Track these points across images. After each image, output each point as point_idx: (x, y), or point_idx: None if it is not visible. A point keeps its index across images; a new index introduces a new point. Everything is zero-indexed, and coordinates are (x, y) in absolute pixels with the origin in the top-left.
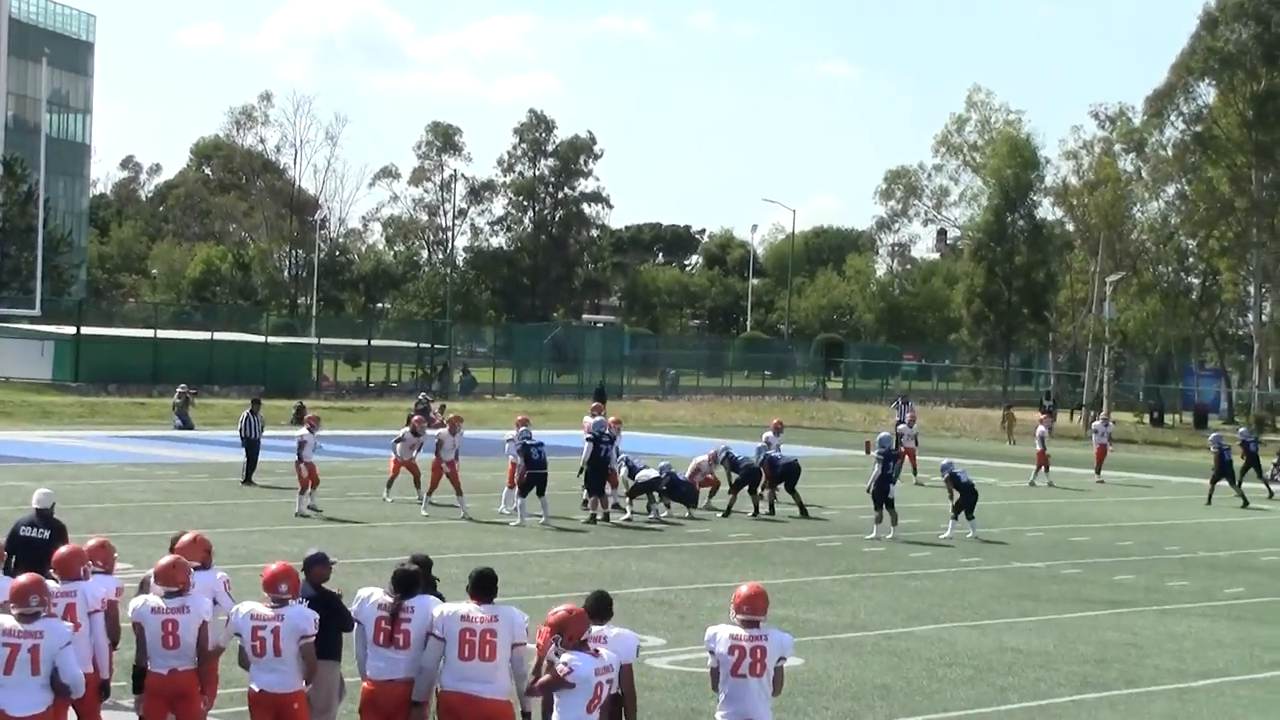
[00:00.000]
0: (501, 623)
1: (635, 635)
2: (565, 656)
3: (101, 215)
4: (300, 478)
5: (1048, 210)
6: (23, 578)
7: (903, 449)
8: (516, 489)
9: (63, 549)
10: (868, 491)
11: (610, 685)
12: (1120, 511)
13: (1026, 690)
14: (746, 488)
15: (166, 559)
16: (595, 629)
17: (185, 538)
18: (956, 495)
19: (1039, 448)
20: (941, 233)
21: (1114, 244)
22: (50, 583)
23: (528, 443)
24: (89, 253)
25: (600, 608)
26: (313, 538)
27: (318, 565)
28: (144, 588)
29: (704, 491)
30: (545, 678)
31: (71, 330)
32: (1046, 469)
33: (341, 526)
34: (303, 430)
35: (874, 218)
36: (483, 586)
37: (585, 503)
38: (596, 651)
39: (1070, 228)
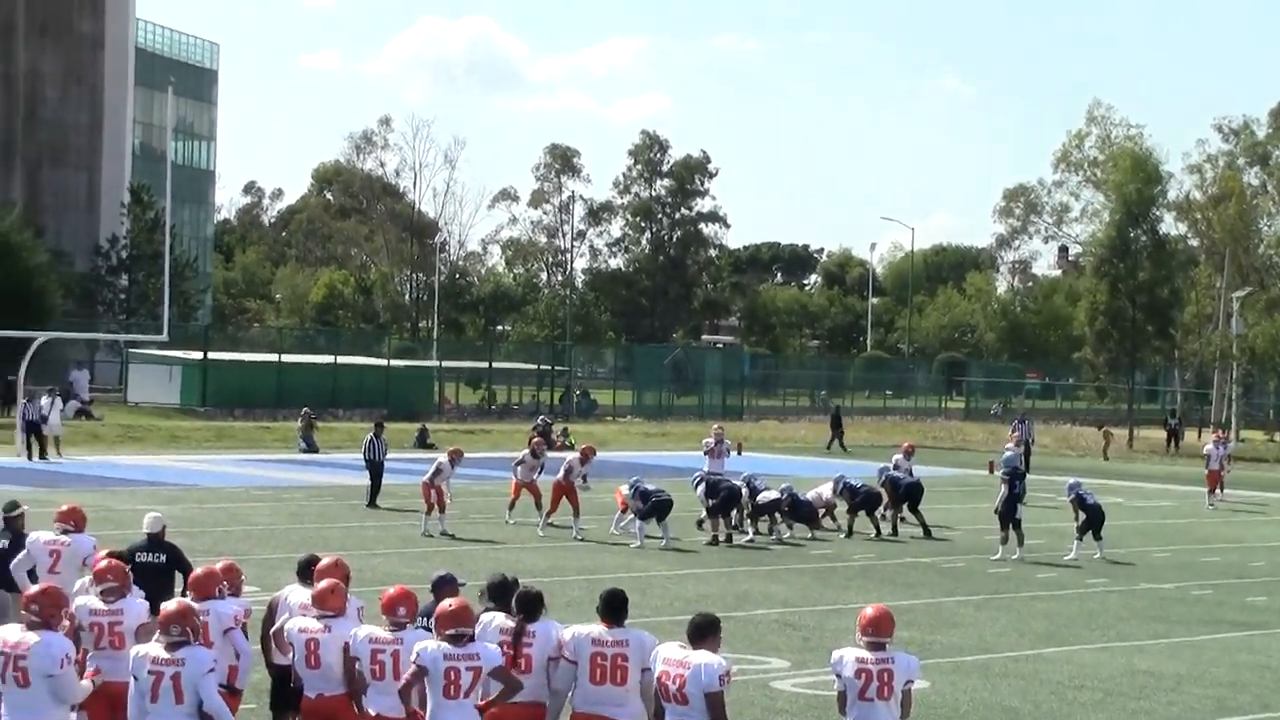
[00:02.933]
0: (632, 646)
1: (723, 663)
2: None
3: (226, 241)
4: (427, 500)
5: (1171, 225)
6: (170, 605)
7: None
8: (631, 516)
9: (199, 570)
10: (995, 512)
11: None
12: (1250, 532)
13: (1158, 714)
14: (865, 510)
15: (325, 583)
16: (682, 653)
17: (326, 560)
18: (1082, 516)
19: (1213, 467)
20: (1063, 249)
21: (1240, 259)
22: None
23: (641, 488)
24: (214, 278)
25: (701, 630)
26: (436, 560)
27: (446, 587)
28: (271, 610)
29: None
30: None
31: (198, 355)
32: (1221, 489)
33: (464, 549)
34: (443, 458)
35: (994, 235)
36: (613, 609)
37: (700, 524)
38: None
39: (1195, 243)
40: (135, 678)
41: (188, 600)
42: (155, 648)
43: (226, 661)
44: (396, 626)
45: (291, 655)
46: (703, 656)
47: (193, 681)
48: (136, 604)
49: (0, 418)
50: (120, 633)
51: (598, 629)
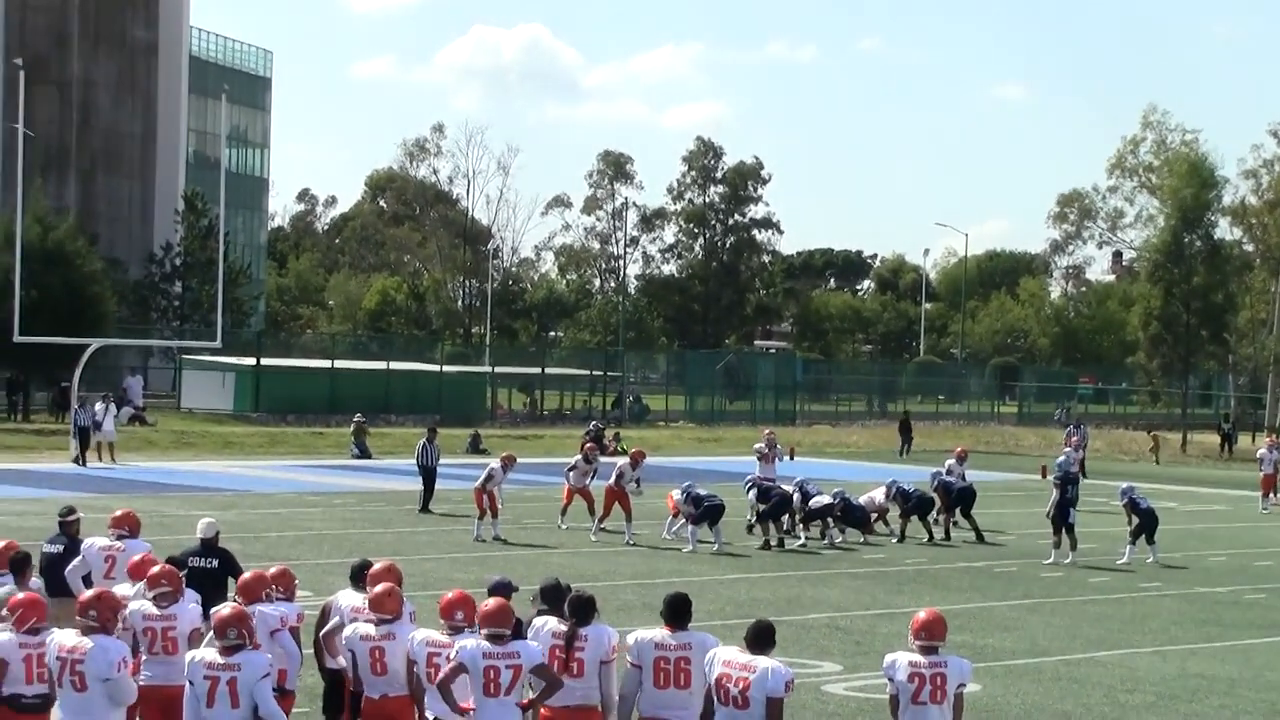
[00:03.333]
0: (695, 650)
1: (788, 671)
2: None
3: (279, 248)
4: (479, 505)
5: (1226, 230)
6: (225, 610)
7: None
8: (683, 521)
9: (247, 574)
10: (1048, 516)
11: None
12: None
13: (1210, 717)
14: (918, 515)
15: (381, 587)
16: (745, 656)
17: (379, 565)
18: (1135, 520)
19: (1267, 471)
20: (1117, 255)
21: None
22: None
23: (694, 493)
24: (267, 285)
25: (761, 637)
26: (490, 565)
27: (502, 591)
28: (324, 615)
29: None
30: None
31: (251, 362)
32: (1276, 493)
33: (518, 553)
34: (495, 463)
35: (1047, 240)
36: (677, 612)
37: (750, 528)
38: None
39: (1249, 248)
40: (191, 682)
41: (243, 605)
42: (210, 653)
43: (275, 664)
44: (454, 630)
45: (352, 660)
46: (769, 661)
47: (248, 686)
48: (190, 609)
49: (56, 424)
50: (173, 638)
51: (661, 633)
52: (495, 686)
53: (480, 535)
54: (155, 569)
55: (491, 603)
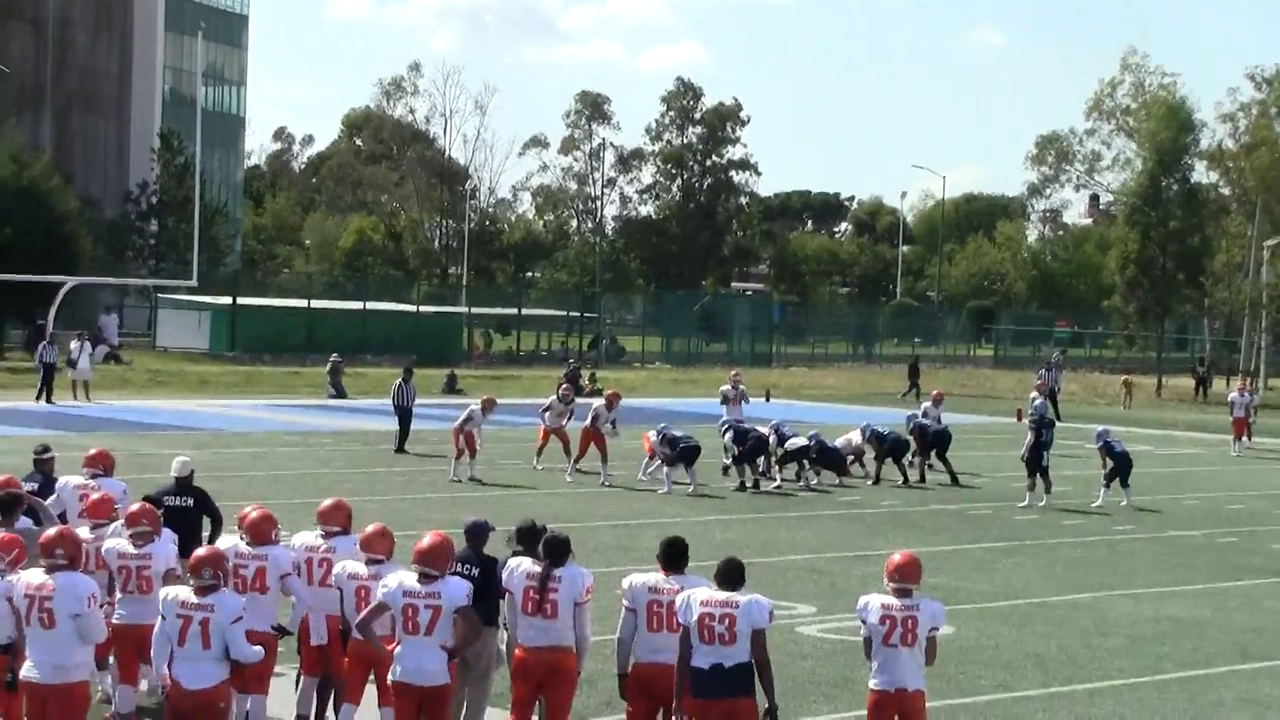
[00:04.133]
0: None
1: (769, 601)
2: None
3: (255, 187)
4: (456, 445)
5: (1202, 174)
6: (201, 550)
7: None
8: (659, 462)
9: (253, 514)
10: (1022, 459)
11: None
12: (1277, 479)
13: (1183, 660)
14: (893, 457)
15: (373, 528)
16: (721, 594)
17: (327, 502)
18: (1110, 463)
19: (1239, 415)
20: (1094, 198)
21: (1271, 207)
22: (245, 547)
23: (670, 434)
24: (244, 224)
25: (732, 575)
26: (464, 505)
27: (479, 533)
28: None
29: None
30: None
31: (228, 301)
32: (1249, 436)
33: (493, 494)
34: (475, 405)
35: (1025, 184)
36: (673, 557)
37: (726, 469)
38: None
39: (1226, 192)
40: (163, 617)
41: (219, 546)
42: (185, 591)
43: (275, 606)
44: (427, 578)
45: (340, 598)
46: (749, 595)
47: (221, 628)
48: (165, 548)
49: (31, 362)
50: (148, 576)
51: (656, 577)
52: (414, 625)
53: (456, 475)
54: (135, 507)
55: (426, 540)
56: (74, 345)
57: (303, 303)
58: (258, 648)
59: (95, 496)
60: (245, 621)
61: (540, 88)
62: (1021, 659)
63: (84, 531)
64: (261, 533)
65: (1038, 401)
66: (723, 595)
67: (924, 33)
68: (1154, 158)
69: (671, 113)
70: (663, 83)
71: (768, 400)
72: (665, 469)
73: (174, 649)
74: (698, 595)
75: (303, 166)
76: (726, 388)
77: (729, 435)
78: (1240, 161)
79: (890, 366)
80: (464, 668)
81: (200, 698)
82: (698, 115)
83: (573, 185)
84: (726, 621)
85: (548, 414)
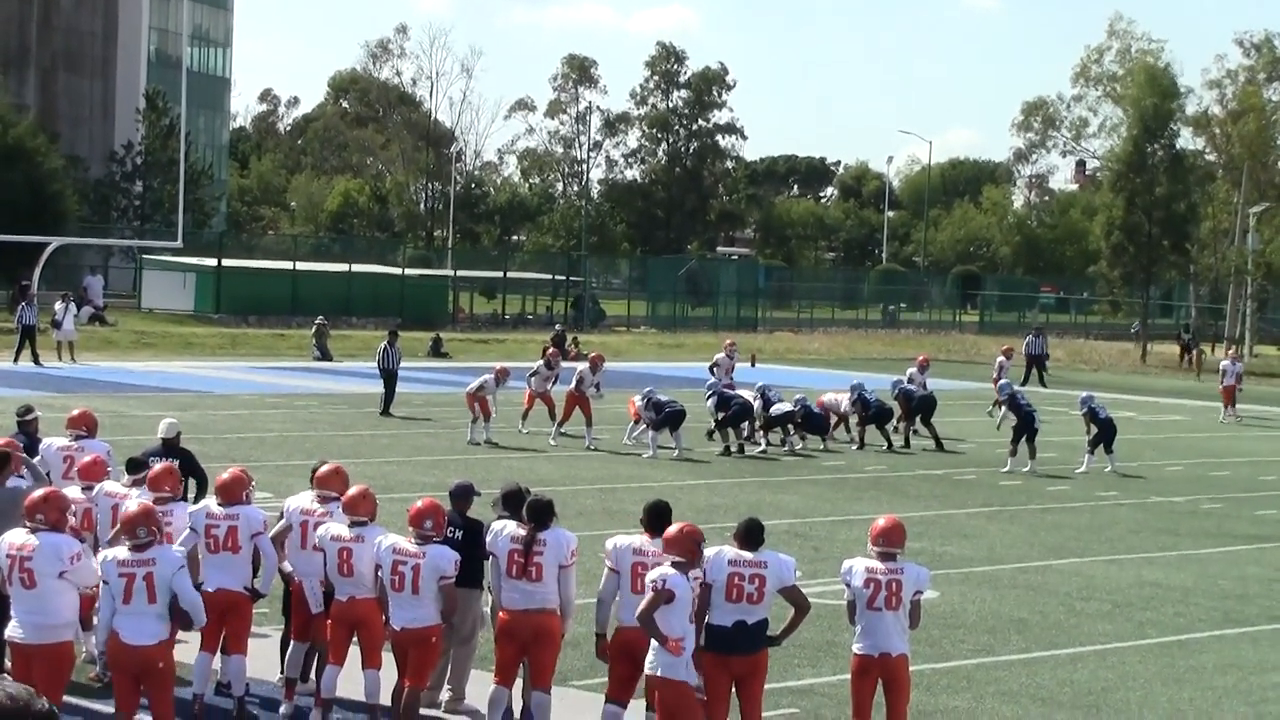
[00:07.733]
0: None
1: (791, 558)
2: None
3: (241, 148)
4: (471, 409)
5: (1189, 140)
6: (132, 508)
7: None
8: (644, 426)
9: (226, 475)
10: (998, 428)
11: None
12: (1262, 446)
13: (1165, 625)
14: (877, 423)
15: (356, 489)
16: (748, 554)
17: (326, 468)
18: (1094, 429)
19: (1229, 383)
20: (1080, 164)
21: (1258, 174)
22: (216, 508)
23: (655, 398)
24: (229, 186)
25: (753, 534)
26: (449, 468)
27: (464, 496)
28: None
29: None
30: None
31: (213, 262)
32: (1234, 404)
33: (478, 457)
34: (488, 376)
35: (1011, 149)
36: (656, 520)
37: (710, 434)
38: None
39: (1212, 158)
40: (106, 581)
41: (149, 502)
42: (121, 550)
43: (249, 565)
44: (422, 540)
45: (322, 559)
46: (773, 554)
47: (165, 580)
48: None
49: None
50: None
51: (640, 539)
52: (400, 582)
53: (474, 438)
54: (156, 469)
55: (419, 502)
56: (59, 306)
57: (288, 265)
58: (198, 597)
59: (87, 459)
60: (217, 579)
61: (527, 50)
62: (1004, 624)
63: (74, 492)
64: (233, 493)
65: (1003, 382)
66: (750, 555)
67: None
68: (1138, 124)
69: (656, 76)
70: (651, 46)
71: (753, 365)
72: (650, 433)
73: (118, 607)
74: (727, 554)
75: (288, 128)
76: (721, 355)
77: (712, 401)
78: (1227, 128)
79: (876, 331)
80: (449, 631)
81: (140, 654)
82: (683, 79)
83: (559, 149)
84: (756, 581)
85: (534, 378)
